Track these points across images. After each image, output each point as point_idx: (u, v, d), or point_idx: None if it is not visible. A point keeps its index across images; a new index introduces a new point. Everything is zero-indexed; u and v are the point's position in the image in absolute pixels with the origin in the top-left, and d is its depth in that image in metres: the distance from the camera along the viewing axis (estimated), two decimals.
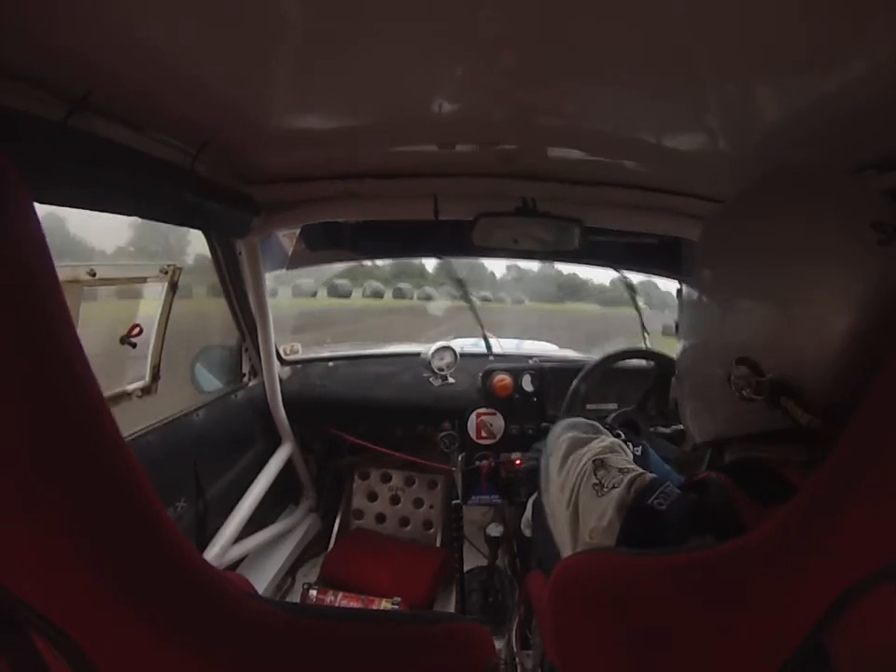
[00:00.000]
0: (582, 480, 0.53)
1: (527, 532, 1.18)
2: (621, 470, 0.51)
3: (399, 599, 1.32)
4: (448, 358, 1.58)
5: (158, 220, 0.88)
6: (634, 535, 0.45)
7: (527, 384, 1.50)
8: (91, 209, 0.71)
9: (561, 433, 0.65)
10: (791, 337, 0.42)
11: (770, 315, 0.43)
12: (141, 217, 0.83)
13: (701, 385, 0.51)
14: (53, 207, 0.67)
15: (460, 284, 1.75)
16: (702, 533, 0.42)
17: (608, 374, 1.25)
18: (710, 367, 0.48)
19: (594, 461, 0.54)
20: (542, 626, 0.82)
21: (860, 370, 0.39)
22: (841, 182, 0.46)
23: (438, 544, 1.64)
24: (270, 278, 1.35)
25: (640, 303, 1.68)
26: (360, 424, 1.59)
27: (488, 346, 1.77)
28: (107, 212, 0.75)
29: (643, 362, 1.39)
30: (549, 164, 0.97)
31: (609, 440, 0.60)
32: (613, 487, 0.49)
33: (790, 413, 0.42)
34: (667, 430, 1.27)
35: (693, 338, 0.53)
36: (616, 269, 1.48)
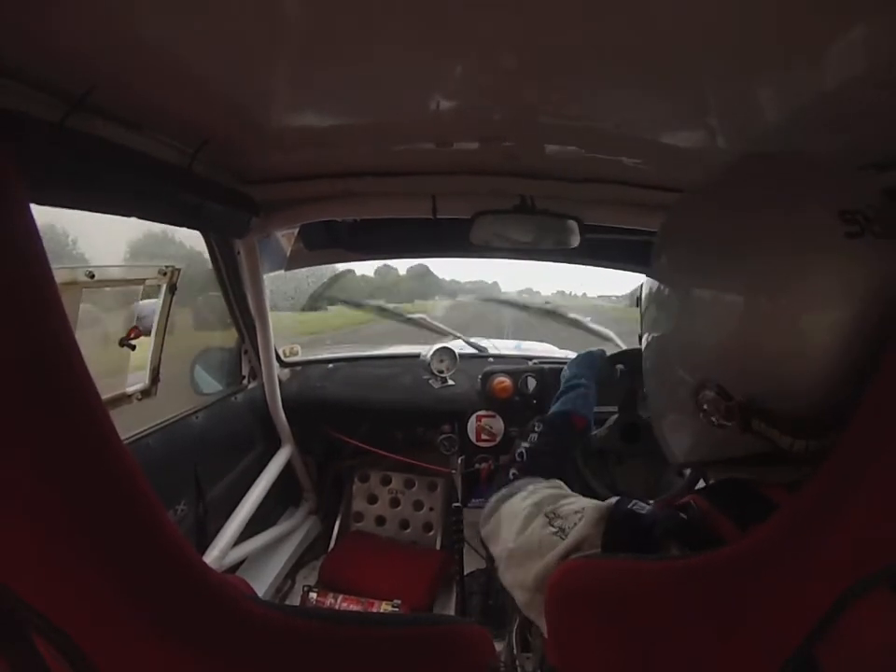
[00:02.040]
0: (540, 539, 0.49)
1: None
2: (576, 512, 0.48)
3: (399, 602, 1.31)
4: (447, 360, 1.58)
5: (156, 221, 0.88)
6: (618, 539, 0.44)
7: (527, 385, 1.50)
8: (87, 210, 0.71)
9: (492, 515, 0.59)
10: (755, 348, 0.38)
11: (731, 324, 0.39)
12: (139, 217, 0.83)
13: (670, 408, 0.47)
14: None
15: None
16: (681, 544, 0.41)
17: (609, 375, 1.24)
18: (676, 390, 0.44)
19: (545, 516, 0.50)
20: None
21: (836, 378, 0.36)
22: (811, 169, 0.42)
23: (438, 547, 1.63)
24: None
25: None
26: (360, 426, 1.59)
27: (479, 349, 1.76)
28: (104, 213, 0.75)
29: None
30: (547, 162, 0.97)
31: (533, 487, 0.56)
32: (576, 524, 0.46)
33: (765, 437, 0.38)
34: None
35: (651, 350, 0.49)
36: (615, 267, 1.47)
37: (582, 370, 0.88)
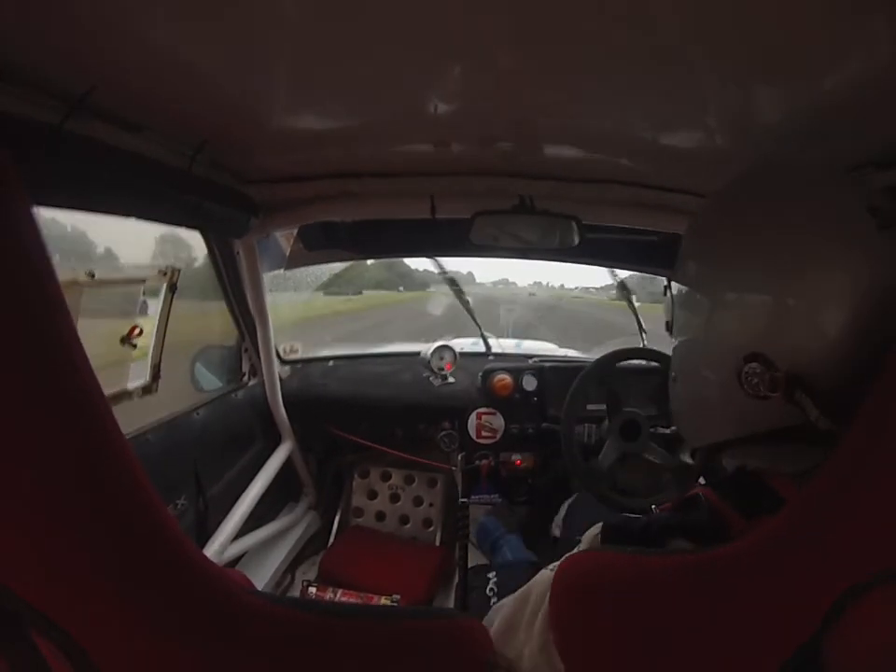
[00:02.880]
0: (533, 583, 0.50)
1: (556, 532, 1.20)
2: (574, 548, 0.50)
3: (398, 597, 1.32)
4: (448, 358, 1.58)
5: (155, 221, 0.88)
6: (615, 538, 0.46)
7: (527, 383, 1.50)
8: (87, 211, 0.71)
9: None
10: (797, 329, 0.40)
11: (773, 308, 0.41)
12: (138, 218, 0.83)
13: (702, 386, 0.48)
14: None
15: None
16: (682, 539, 0.42)
17: (608, 374, 1.24)
18: (713, 366, 0.46)
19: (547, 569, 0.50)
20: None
21: (865, 362, 0.38)
22: (836, 172, 0.45)
23: (437, 543, 1.64)
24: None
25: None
26: (360, 423, 1.59)
27: (487, 346, 1.76)
28: (104, 214, 0.76)
29: (643, 362, 1.38)
30: (546, 162, 0.96)
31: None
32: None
33: (803, 409, 0.40)
34: (668, 431, 1.27)
35: (690, 337, 0.50)
36: (615, 267, 1.47)
37: (492, 535, 1.09)
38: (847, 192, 0.42)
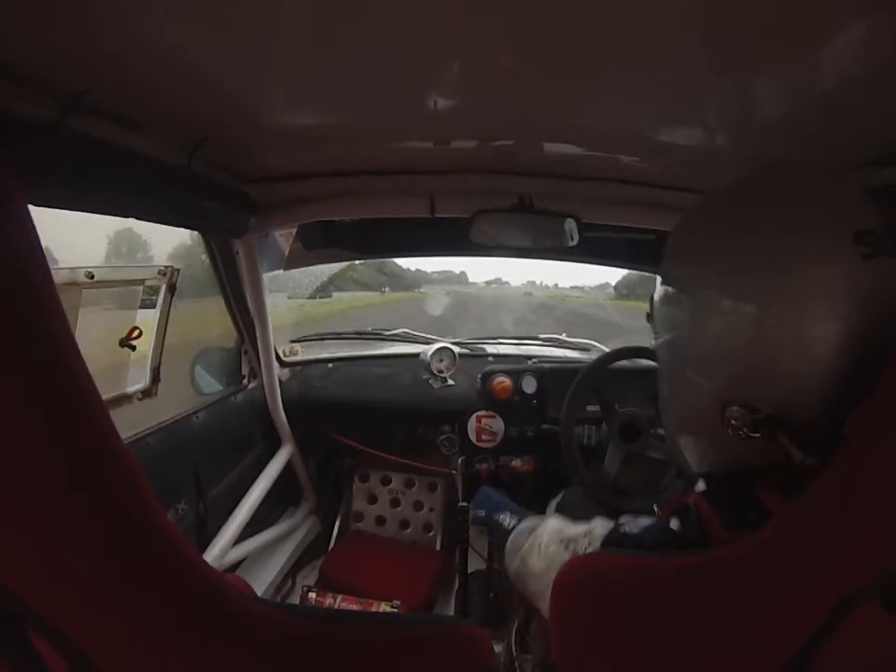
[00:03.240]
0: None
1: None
2: (584, 535, 0.56)
3: (398, 602, 1.31)
4: (447, 360, 1.58)
5: (154, 221, 0.88)
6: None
7: (527, 385, 1.49)
8: (84, 211, 0.71)
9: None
10: (780, 364, 0.39)
11: (754, 343, 0.40)
12: (136, 218, 0.83)
13: (690, 421, 0.48)
14: None
15: None
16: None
17: (607, 374, 1.24)
18: (696, 400, 0.45)
19: (560, 542, 0.59)
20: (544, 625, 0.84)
21: (847, 392, 0.38)
22: (825, 188, 0.43)
23: (438, 547, 1.63)
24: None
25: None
26: (360, 426, 1.59)
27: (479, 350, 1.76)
28: (101, 213, 0.75)
29: (643, 361, 1.37)
30: (545, 161, 0.96)
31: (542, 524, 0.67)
32: (586, 548, 0.54)
33: (785, 450, 0.39)
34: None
35: (673, 364, 0.49)
36: (614, 266, 1.47)
37: (488, 503, 1.01)
38: (833, 220, 0.40)
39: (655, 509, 0.52)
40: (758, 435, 0.40)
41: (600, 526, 0.52)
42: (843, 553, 0.34)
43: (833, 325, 0.38)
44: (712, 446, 0.46)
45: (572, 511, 1.21)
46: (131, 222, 0.83)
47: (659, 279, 0.51)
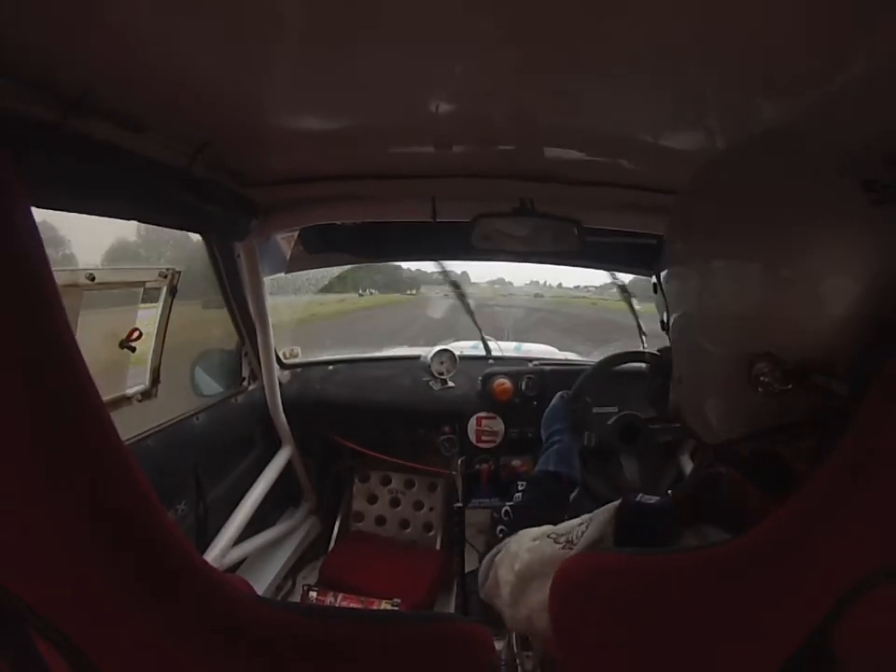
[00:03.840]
0: (551, 556, 0.50)
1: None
2: (580, 524, 0.50)
3: (398, 601, 1.32)
4: (447, 362, 1.58)
5: (155, 224, 0.88)
6: (629, 531, 0.46)
7: (527, 387, 1.50)
8: (86, 213, 0.71)
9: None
10: (800, 318, 0.39)
11: (773, 298, 0.40)
12: (138, 220, 0.83)
13: (709, 386, 0.47)
14: None
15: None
16: (698, 524, 0.42)
17: (608, 377, 1.24)
18: (720, 368, 0.44)
19: (547, 537, 0.52)
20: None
21: (873, 340, 0.37)
22: (828, 141, 0.43)
23: (438, 547, 1.64)
24: None
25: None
26: (360, 427, 1.59)
27: (487, 349, 1.76)
28: (103, 216, 0.75)
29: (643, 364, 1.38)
30: (547, 165, 0.96)
31: (524, 531, 0.58)
32: (583, 532, 0.48)
33: (825, 390, 0.38)
34: (668, 436, 1.27)
35: (688, 337, 0.49)
36: (615, 270, 1.47)
37: (554, 424, 0.91)
38: (844, 171, 0.40)
39: (669, 494, 0.51)
40: (790, 387, 0.39)
41: (602, 513, 0.49)
42: (858, 533, 0.34)
43: (849, 272, 0.38)
44: (740, 408, 0.44)
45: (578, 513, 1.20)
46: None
47: (665, 255, 0.50)
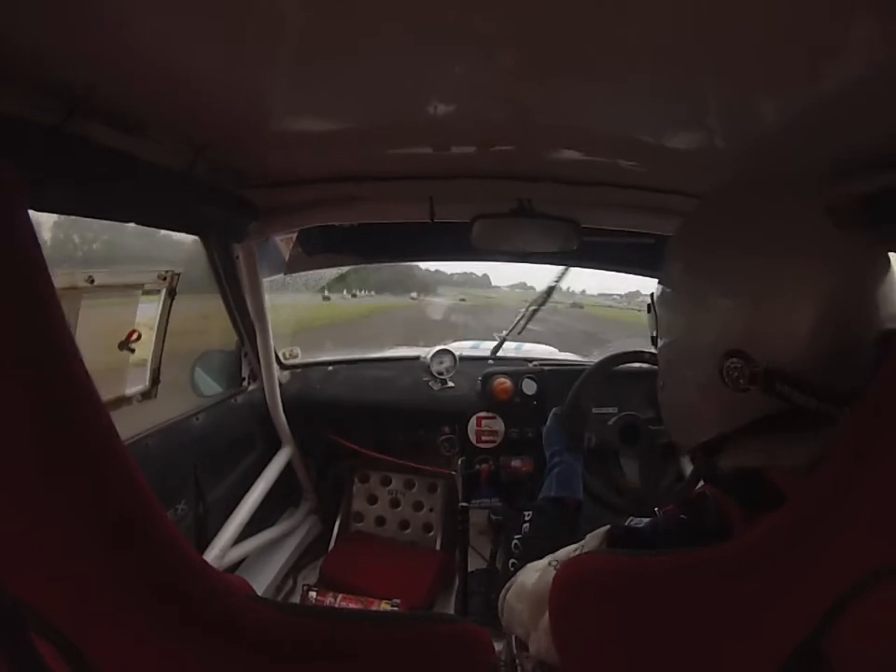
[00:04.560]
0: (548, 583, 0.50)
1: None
2: (574, 550, 0.52)
3: (398, 601, 1.32)
4: (447, 362, 1.58)
5: (155, 226, 0.88)
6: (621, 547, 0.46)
7: (527, 387, 1.50)
8: (85, 216, 0.71)
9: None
10: (772, 329, 0.44)
11: (749, 310, 0.45)
12: (138, 223, 0.83)
13: (688, 387, 0.51)
14: None
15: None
16: (687, 547, 0.42)
17: (608, 377, 1.24)
18: (696, 365, 0.49)
19: (549, 565, 0.54)
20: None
21: (844, 350, 0.42)
22: (798, 179, 0.51)
23: (438, 547, 1.64)
24: None
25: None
26: (360, 428, 1.59)
27: (496, 349, 1.75)
28: (102, 219, 0.75)
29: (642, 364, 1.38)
30: (545, 165, 0.96)
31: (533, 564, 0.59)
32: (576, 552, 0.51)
33: (787, 398, 0.42)
34: (668, 436, 1.27)
35: (673, 339, 0.54)
36: (614, 270, 1.47)
37: (552, 446, 0.92)
38: (809, 200, 0.46)
39: (656, 511, 0.52)
40: (755, 386, 0.43)
41: (592, 537, 0.51)
42: (855, 534, 0.34)
43: (816, 290, 0.43)
44: (711, 404, 0.48)
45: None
46: None
47: (658, 280, 0.56)
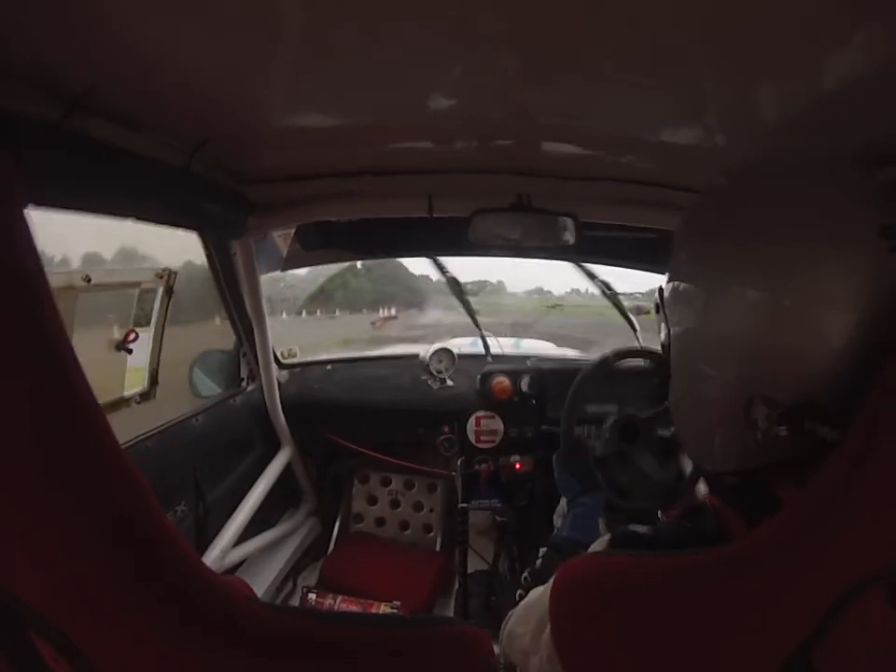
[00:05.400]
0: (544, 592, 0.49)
1: (558, 522, 1.17)
2: None
3: (398, 603, 1.31)
4: (446, 360, 1.58)
5: (153, 222, 0.88)
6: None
7: (526, 385, 1.49)
8: (83, 211, 0.71)
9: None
10: (800, 356, 0.39)
11: (774, 328, 0.39)
12: (135, 219, 0.83)
13: (707, 418, 0.47)
14: None
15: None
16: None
17: (608, 375, 1.24)
18: (716, 402, 0.44)
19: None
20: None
21: (863, 374, 0.37)
22: (848, 179, 0.42)
23: (437, 548, 1.63)
24: None
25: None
26: (359, 427, 1.59)
27: (486, 347, 1.75)
28: (100, 214, 0.75)
29: (641, 361, 1.38)
30: (544, 160, 0.97)
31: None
32: None
33: (815, 434, 0.39)
34: (667, 433, 1.26)
35: (688, 361, 0.48)
36: (612, 265, 1.47)
37: (569, 490, 0.90)
38: (861, 209, 0.39)
39: (659, 514, 0.51)
40: (783, 428, 0.39)
41: (597, 544, 0.49)
42: (846, 545, 0.35)
43: (852, 310, 0.38)
44: (736, 444, 0.44)
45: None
46: None
47: (668, 274, 0.50)
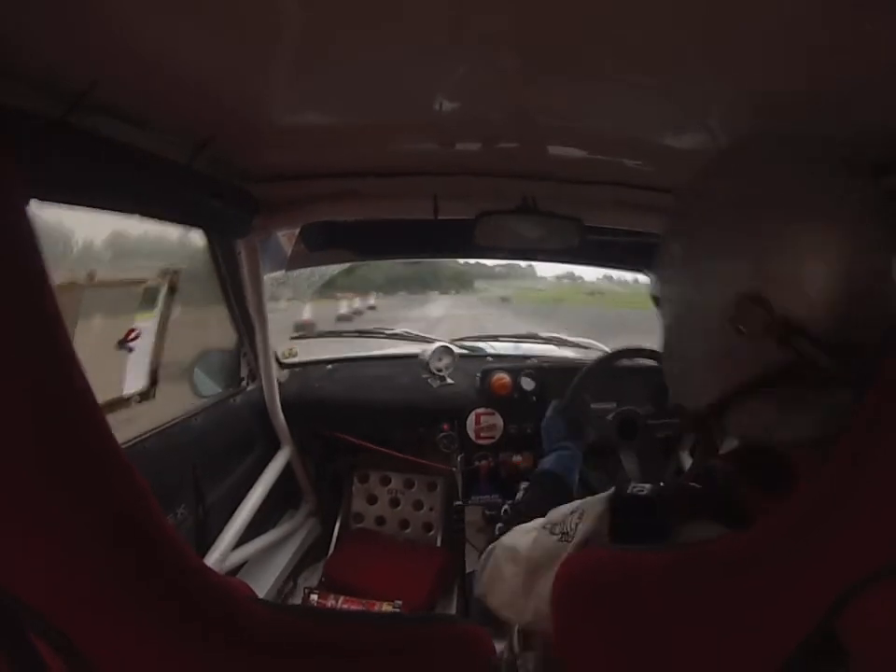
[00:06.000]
0: (548, 550, 0.49)
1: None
2: (572, 512, 0.49)
3: (400, 603, 1.31)
4: (447, 359, 1.58)
5: (157, 219, 0.87)
6: (624, 524, 0.46)
7: (526, 383, 1.51)
8: (89, 207, 0.71)
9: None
10: (786, 279, 0.40)
11: (762, 263, 0.41)
12: (140, 215, 0.82)
13: (696, 342, 0.47)
14: None
15: None
16: (694, 518, 0.42)
17: (607, 373, 1.25)
18: (703, 321, 0.45)
19: (543, 528, 0.52)
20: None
21: (857, 312, 0.39)
22: (822, 143, 0.45)
23: (438, 546, 1.64)
24: None
25: None
26: (359, 426, 1.58)
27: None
28: (105, 210, 0.74)
29: (639, 360, 1.39)
30: (549, 163, 0.97)
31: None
32: (577, 524, 0.48)
33: (800, 352, 0.39)
34: (667, 429, 1.28)
35: (679, 307, 0.49)
36: (617, 268, 1.49)
37: (554, 433, 0.92)
38: (827, 151, 0.43)
39: (661, 485, 0.51)
40: (769, 337, 0.40)
41: (593, 505, 0.48)
42: (849, 542, 0.34)
43: (832, 242, 0.40)
44: (718, 359, 0.45)
45: None
46: None
47: (659, 261, 0.51)
